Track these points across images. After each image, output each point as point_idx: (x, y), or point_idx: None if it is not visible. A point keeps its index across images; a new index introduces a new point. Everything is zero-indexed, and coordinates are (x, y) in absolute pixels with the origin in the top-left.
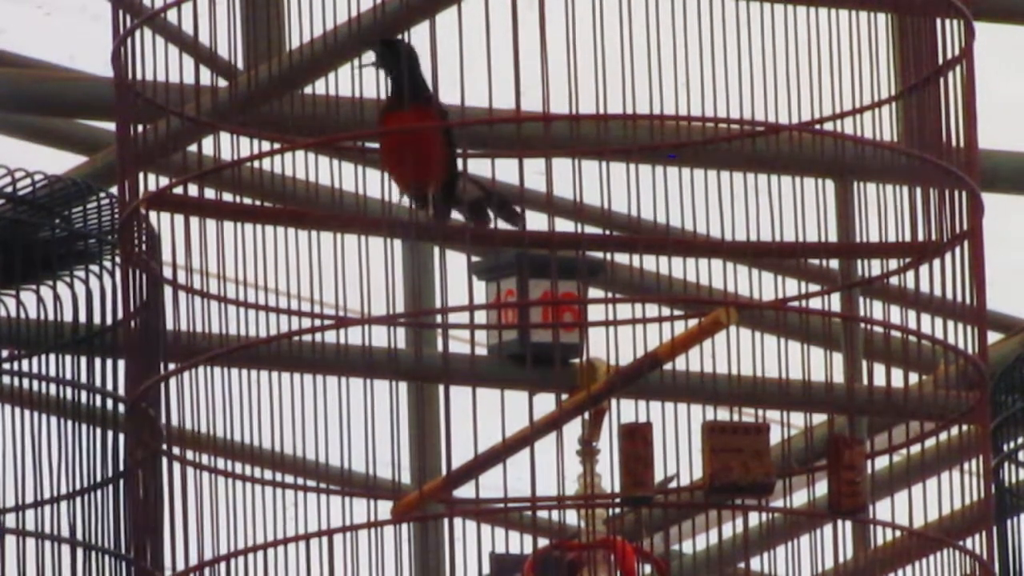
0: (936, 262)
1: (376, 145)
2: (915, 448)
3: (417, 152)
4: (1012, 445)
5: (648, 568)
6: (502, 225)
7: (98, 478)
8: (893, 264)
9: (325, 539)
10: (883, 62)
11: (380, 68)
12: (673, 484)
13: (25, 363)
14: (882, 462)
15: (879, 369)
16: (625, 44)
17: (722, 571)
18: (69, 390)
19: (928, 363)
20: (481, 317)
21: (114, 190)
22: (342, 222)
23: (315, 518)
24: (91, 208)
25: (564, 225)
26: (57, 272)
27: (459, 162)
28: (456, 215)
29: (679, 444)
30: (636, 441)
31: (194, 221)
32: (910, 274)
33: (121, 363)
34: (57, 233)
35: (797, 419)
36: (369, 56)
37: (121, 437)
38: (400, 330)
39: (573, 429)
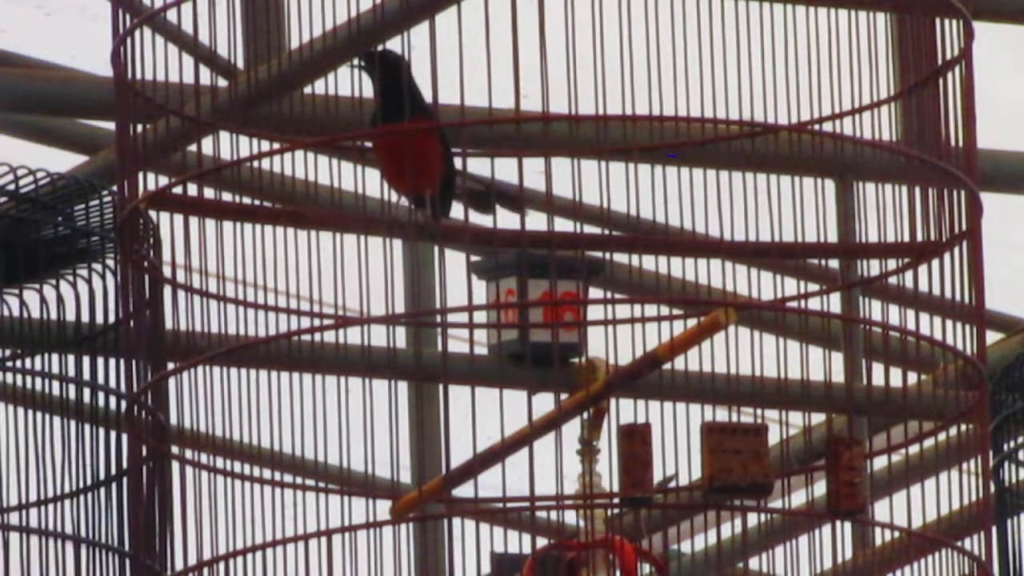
0: (935, 262)
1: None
2: (914, 448)
3: (416, 163)
4: (1012, 445)
5: (648, 568)
6: (504, 221)
7: (101, 476)
8: (892, 264)
9: (324, 539)
10: (882, 62)
11: (369, 74)
12: (672, 484)
13: (28, 362)
14: (881, 462)
15: (878, 369)
16: (625, 44)
17: (722, 571)
18: (72, 388)
19: (928, 363)
20: (481, 317)
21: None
22: (342, 222)
23: (314, 518)
24: (93, 205)
25: (564, 225)
26: (59, 270)
27: (456, 161)
28: (456, 213)
29: (678, 444)
30: (635, 442)
31: (194, 221)
32: (909, 274)
33: (124, 361)
34: (60, 231)
35: (796, 419)
36: (359, 60)
37: (124, 435)
38: (400, 330)
39: (572, 429)
